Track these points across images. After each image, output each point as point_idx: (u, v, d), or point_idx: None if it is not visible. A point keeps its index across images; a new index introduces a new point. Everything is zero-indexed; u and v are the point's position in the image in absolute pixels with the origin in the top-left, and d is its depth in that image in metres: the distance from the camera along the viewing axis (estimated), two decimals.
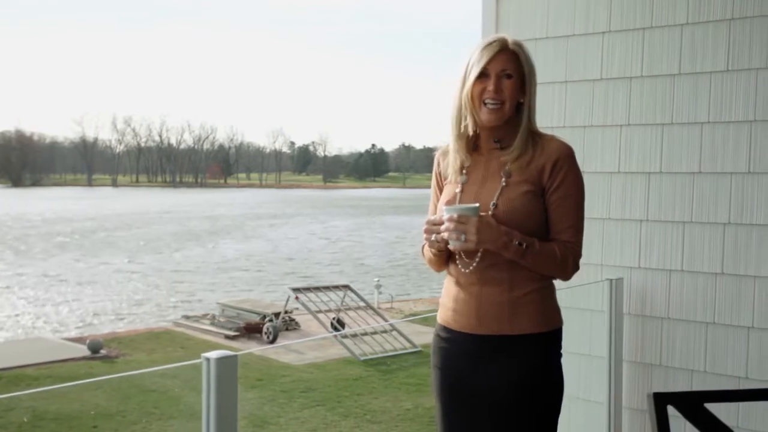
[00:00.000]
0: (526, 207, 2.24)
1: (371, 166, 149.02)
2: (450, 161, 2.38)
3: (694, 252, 3.38)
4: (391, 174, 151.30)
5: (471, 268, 2.26)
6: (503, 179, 2.27)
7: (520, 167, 2.26)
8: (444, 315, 2.37)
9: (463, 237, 2.14)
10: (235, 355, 1.97)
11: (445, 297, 2.38)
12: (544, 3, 3.77)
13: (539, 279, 2.27)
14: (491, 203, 2.25)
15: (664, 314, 3.46)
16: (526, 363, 2.24)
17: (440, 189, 2.45)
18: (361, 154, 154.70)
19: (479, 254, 2.24)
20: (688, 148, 3.39)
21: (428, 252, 2.37)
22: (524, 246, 2.18)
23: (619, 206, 3.57)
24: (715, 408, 2.14)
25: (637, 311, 3.54)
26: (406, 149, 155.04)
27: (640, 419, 3.54)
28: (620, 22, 3.55)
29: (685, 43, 3.39)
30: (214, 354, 1.96)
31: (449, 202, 2.30)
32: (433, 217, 2.28)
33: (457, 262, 2.29)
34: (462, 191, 2.33)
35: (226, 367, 1.95)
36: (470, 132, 2.31)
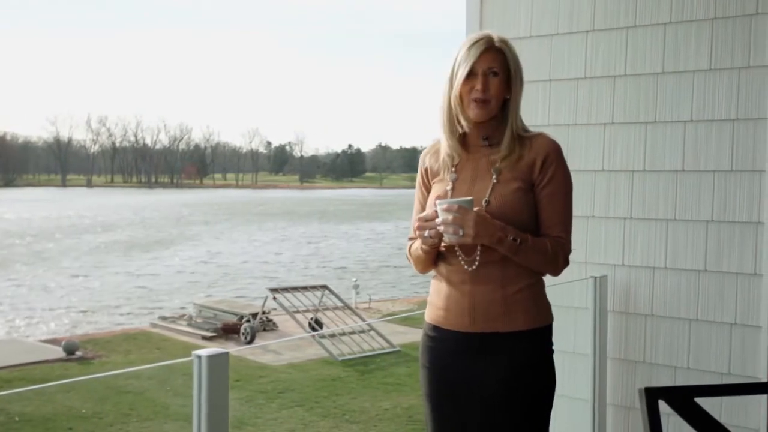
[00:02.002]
0: (518, 203, 2.25)
1: (348, 167, 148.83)
2: (440, 159, 2.37)
3: (678, 249, 3.40)
4: (368, 174, 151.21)
5: (474, 266, 2.25)
6: (494, 176, 2.27)
7: (510, 165, 2.27)
8: (434, 314, 2.35)
9: (461, 231, 2.13)
10: (226, 353, 1.95)
11: (434, 296, 2.37)
12: (528, 2, 3.78)
13: (531, 275, 2.28)
14: (483, 200, 2.25)
15: (648, 311, 3.48)
16: (519, 359, 2.25)
17: (426, 187, 2.44)
18: (337, 155, 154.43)
19: (479, 251, 2.23)
20: (672, 146, 3.41)
21: (417, 251, 2.35)
22: (518, 242, 2.19)
23: (603, 204, 3.59)
24: (699, 403, 2.16)
25: (621, 308, 3.56)
26: (383, 149, 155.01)
27: (625, 416, 3.57)
28: (604, 21, 3.57)
29: (668, 42, 3.41)
30: (204, 351, 1.94)
31: (440, 198, 2.29)
32: (424, 213, 2.27)
33: (460, 259, 2.27)
34: (453, 189, 2.32)
35: (217, 364, 1.93)
36: (460, 130, 2.32)
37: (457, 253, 2.27)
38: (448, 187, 2.33)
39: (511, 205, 2.24)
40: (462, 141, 2.35)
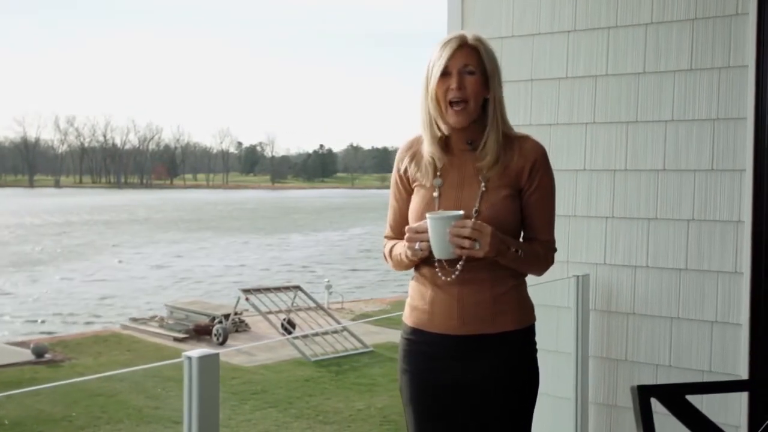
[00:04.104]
0: (507, 211, 2.23)
1: (319, 167, 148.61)
2: (422, 162, 2.31)
3: (659, 248, 3.43)
4: (339, 174, 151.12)
5: (453, 276, 2.22)
6: (482, 184, 2.24)
7: (498, 172, 2.24)
8: (417, 317, 2.30)
9: (477, 245, 2.10)
10: (216, 354, 1.93)
11: (416, 299, 2.31)
12: (509, 2, 3.78)
13: (516, 276, 2.28)
14: (473, 209, 2.21)
15: (630, 310, 3.50)
16: (506, 360, 2.24)
17: (404, 188, 2.38)
18: (309, 155, 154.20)
19: (461, 262, 2.20)
20: (653, 145, 3.44)
21: (399, 257, 2.31)
22: (519, 252, 2.20)
23: (584, 203, 3.60)
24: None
25: (603, 307, 3.58)
26: (355, 150, 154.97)
27: (607, 414, 3.59)
28: (585, 21, 3.58)
29: (649, 42, 3.44)
30: (195, 353, 1.91)
31: (429, 208, 2.24)
32: (415, 225, 2.22)
33: (437, 271, 2.24)
34: (440, 195, 2.27)
35: (208, 365, 1.90)
36: (439, 134, 2.27)
37: (436, 267, 2.23)
38: (435, 194, 2.27)
39: (502, 213, 2.22)
40: (445, 144, 2.29)
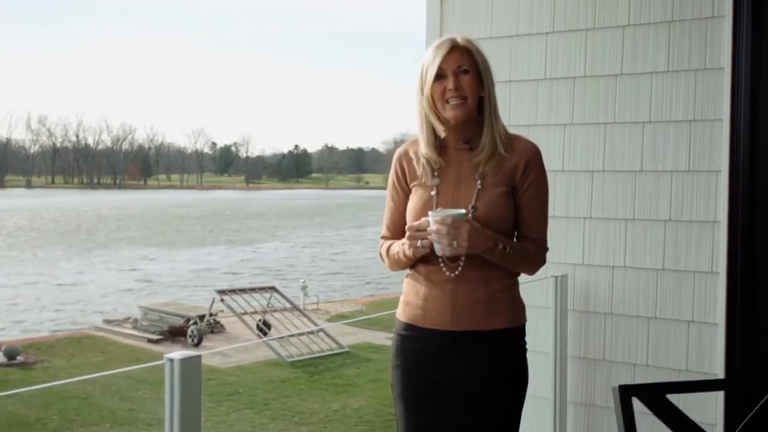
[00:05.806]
0: (503, 209, 2.26)
1: (294, 167, 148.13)
2: (420, 162, 2.35)
3: (636, 248, 3.45)
4: (314, 175, 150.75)
5: (457, 272, 2.25)
6: (478, 181, 2.27)
7: (494, 169, 2.27)
8: (411, 313, 2.33)
9: (455, 243, 2.12)
10: (198, 356, 1.91)
11: (411, 295, 2.34)
12: (488, 3, 3.80)
13: (510, 276, 2.31)
14: (470, 206, 2.24)
15: (608, 310, 3.53)
16: (496, 358, 2.26)
17: (402, 188, 2.41)
18: (284, 155, 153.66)
19: (463, 259, 2.23)
20: (630, 146, 3.46)
21: (397, 255, 2.34)
22: (507, 250, 2.22)
23: (563, 204, 3.62)
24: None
25: (581, 307, 3.60)
26: (329, 150, 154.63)
27: (585, 413, 3.61)
28: (563, 23, 3.60)
29: (626, 44, 3.46)
30: (177, 355, 1.90)
31: (427, 207, 2.28)
32: (416, 223, 2.25)
33: (442, 266, 2.26)
34: (438, 194, 2.30)
35: (190, 367, 1.88)
36: (440, 135, 2.31)
37: (440, 263, 2.26)
38: (433, 193, 2.31)
39: (498, 210, 2.25)
40: (441, 144, 2.34)
